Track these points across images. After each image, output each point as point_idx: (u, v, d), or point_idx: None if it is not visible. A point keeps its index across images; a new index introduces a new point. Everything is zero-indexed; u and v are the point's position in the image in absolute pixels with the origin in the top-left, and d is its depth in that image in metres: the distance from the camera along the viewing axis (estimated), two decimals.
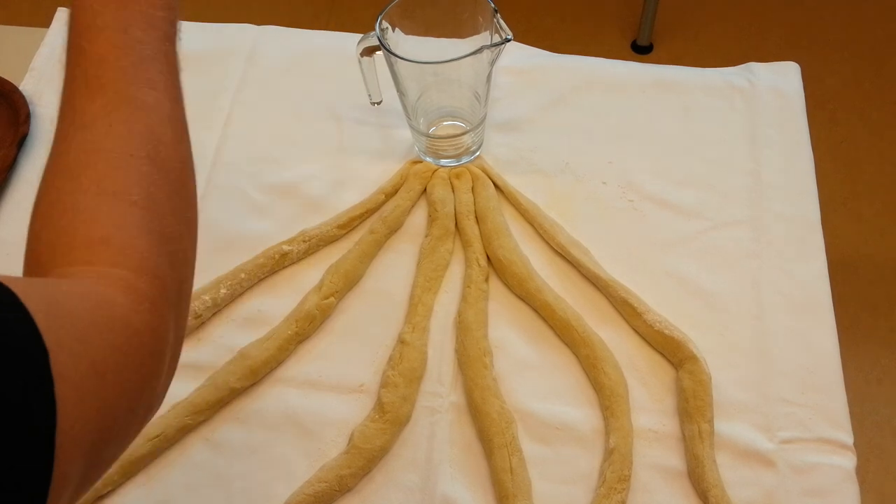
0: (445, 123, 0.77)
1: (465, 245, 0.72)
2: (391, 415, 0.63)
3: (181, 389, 0.65)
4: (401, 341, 0.67)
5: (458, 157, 0.77)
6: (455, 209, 0.74)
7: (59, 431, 0.31)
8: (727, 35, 1.79)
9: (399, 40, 0.70)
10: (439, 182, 0.76)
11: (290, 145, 0.80)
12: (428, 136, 0.76)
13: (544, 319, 0.69)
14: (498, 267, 0.71)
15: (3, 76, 0.83)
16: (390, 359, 0.66)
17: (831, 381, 0.66)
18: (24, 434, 0.30)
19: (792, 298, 0.70)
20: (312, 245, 0.73)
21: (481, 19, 0.69)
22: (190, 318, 0.68)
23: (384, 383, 0.65)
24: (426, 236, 0.73)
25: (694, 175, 0.77)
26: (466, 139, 0.76)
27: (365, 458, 0.61)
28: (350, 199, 0.76)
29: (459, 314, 0.69)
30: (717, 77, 0.84)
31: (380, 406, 0.64)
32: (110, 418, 0.35)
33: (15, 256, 0.73)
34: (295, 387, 0.67)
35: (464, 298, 0.69)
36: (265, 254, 0.72)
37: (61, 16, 0.89)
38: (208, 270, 0.71)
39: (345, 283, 0.70)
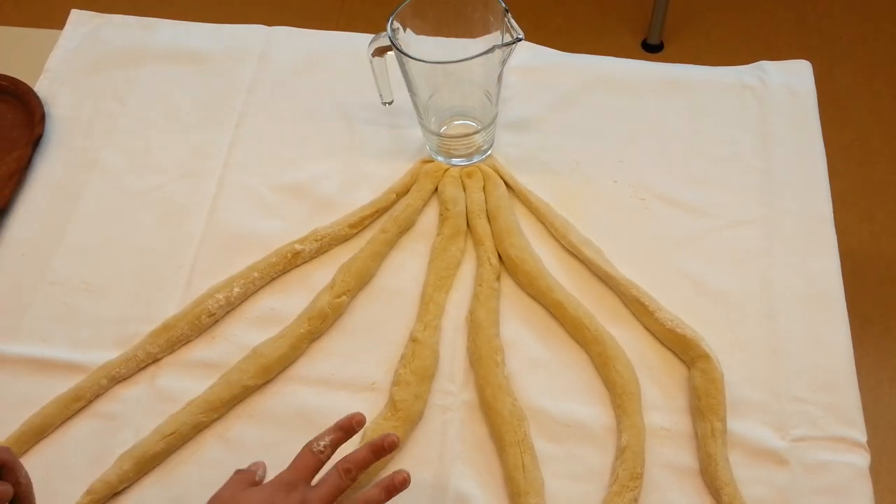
0: (456, 123, 0.77)
1: (477, 244, 0.73)
2: (403, 412, 0.63)
3: (195, 387, 0.66)
4: (413, 339, 0.67)
5: (469, 156, 0.77)
6: (466, 208, 0.74)
7: None
8: (738, 34, 1.78)
9: (410, 40, 0.70)
10: (450, 181, 0.76)
11: (302, 145, 0.81)
12: (439, 135, 0.76)
13: (556, 318, 0.69)
14: (509, 265, 0.71)
15: (18, 77, 0.83)
16: (402, 357, 0.67)
17: (844, 378, 0.65)
18: None
19: (804, 296, 0.69)
20: (324, 244, 0.73)
21: (492, 19, 0.69)
22: (203, 316, 0.68)
23: (396, 381, 0.65)
24: (438, 235, 0.74)
25: (705, 173, 0.77)
26: (477, 138, 0.76)
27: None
28: (361, 198, 0.76)
29: (471, 312, 0.69)
30: (728, 76, 0.83)
31: (392, 404, 0.64)
32: None
33: (30, 256, 0.74)
34: (307, 385, 0.67)
35: (475, 297, 0.69)
36: (277, 253, 0.72)
37: (75, 17, 0.90)
38: (221, 269, 0.72)
39: (356, 282, 0.70)
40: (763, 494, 0.61)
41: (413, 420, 0.64)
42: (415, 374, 0.65)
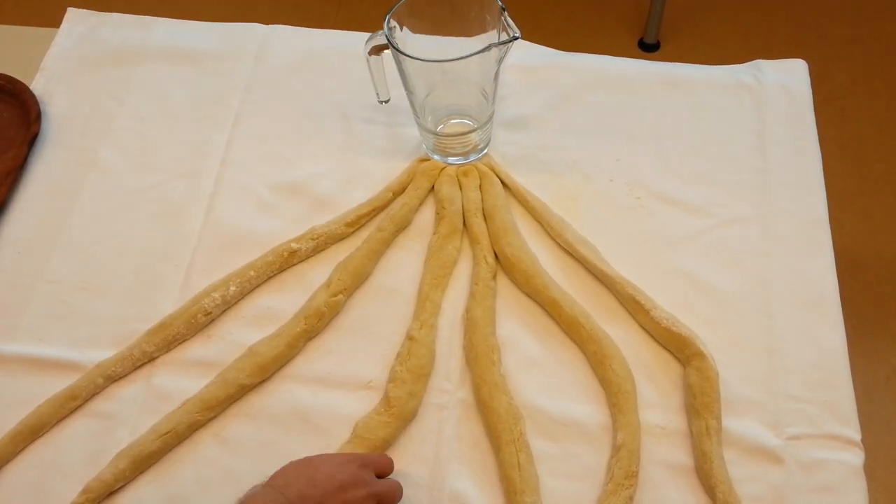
0: (453, 121, 0.77)
1: (473, 242, 0.73)
2: (397, 409, 0.63)
3: (191, 386, 0.66)
4: (409, 338, 0.67)
5: (465, 154, 0.77)
6: (463, 207, 0.74)
7: None
8: (735, 33, 1.78)
9: (407, 39, 0.70)
10: (447, 180, 0.76)
11: (299, 144, 0.81)
12: (436, 134, 0.76)
13: (552, 316, 0.69)
14: (506, 264, 0.71)
15: (14, 76, 0.83)
16: (398, 355, 0.67)
17: (839, 377, 0.66)
18: None
19: (799, 295, 0.70)
20: (321, 243, 0.73)
21: (489, 18, 0.69)
22: (200, 315, 0.68)
23: (392, 378, 0.65)
24: (434, 234, 0.74)
25: (701, 172, 0.77)
26: (474, 137, 0.76)
27: (366, 447, 0.62)
28: (358, 197, 0.76)
29: (467, 311, 0.69)
30: (724, 75, 0.84)
31: (386, 400, 0.64)
32: None
33: (26, 254, 0.74)
34: (304, 383, 0.67)
35: (472, 295, 0.69)
36: (274, 251, 0.72)
37: (72, 16, 0.90)
38: (218, 268, 0.72)
39: (353, 281, 0.70)
40: (758, 492, 0.61)
41: (406, 418, 0.64)
42: (411, 372, 0.65)
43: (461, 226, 0.74)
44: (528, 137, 0.80)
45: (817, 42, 1.76)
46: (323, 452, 0.63)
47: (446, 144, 0.77)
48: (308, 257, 0.73)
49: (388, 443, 0.63)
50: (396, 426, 0.63)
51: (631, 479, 0.60)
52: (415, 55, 0.66)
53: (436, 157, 0.78)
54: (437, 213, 0.75)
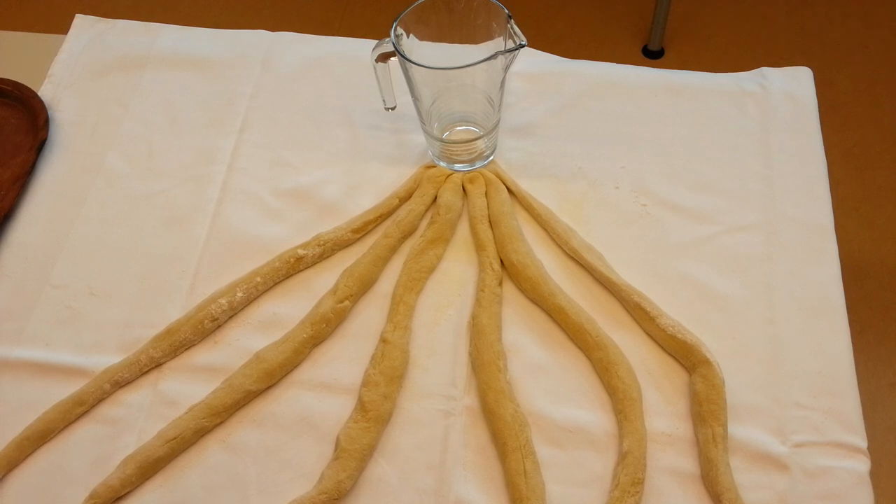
0: (459, 128, 0.77)
1: (479, 249, 0.73)
2: (373, 413, 0.63)
3: (198, 392, 0.66)
4: (382, 340, 0.67)
5: (471, 161, 0.77)
6: (469, 213, 0.75)
7: None
8: (738, 40, 1.79)
9: (413, 46, 0.70)
10: (451, 187, 0.76)
11: (305, 150, 0.81)
12: (442, 140, 0.77)
13: (558, 323, 0.69)
14: (511, 271, 0.71)
15: (22, 82, 0.84)
16: (372, 357, 0.67)
17: (844, 384, 0.66)
18: None
19: (804, 302, 0.70)
20: (327, 249, 0.73)
21: (495, 25, 0.69)
22: (206, 321, 0.69)
23: (365, 382, 0.65)
24: (420, 237, 0.74)
25: (706, 179, 0.77)
26: (480, 144, 0.76)
27: (357, 459, 0.62)
28: (364, 203, 0.76)
29: (473, 318, 0.69)
30: (729, 82, 0.84)
31: (361, 405, 0.64)
32: None
33: (34, 260, 0.75)
34: (310, 389, 0.67)
35: (477, 302, 0.70)
36: (280, 258, 0.72)
37: (79, 22, 0.90)
38: (224, 274, 0.72)
39: (359, 287, 0.71)
40: (764, 499, 0.61)
41: (383, 420, 0.64)
42: (384, 374, 0.65)
43: (449, 236, 0.74)
44: (533, 144, 0.80)
45: (820, 49, 1.76)
46: (328, 458, 0.63)
47: (452, 151, 0.77)
48: (314, 263, 0.73)
49: (373, 447, 0.63)
50: (377, 430, 0.63)
51: (637, 487, 0.60)
52: (421, 62, 0.67)
53: (442, 163, 0.78)
54: (431, 219, 0.75)
